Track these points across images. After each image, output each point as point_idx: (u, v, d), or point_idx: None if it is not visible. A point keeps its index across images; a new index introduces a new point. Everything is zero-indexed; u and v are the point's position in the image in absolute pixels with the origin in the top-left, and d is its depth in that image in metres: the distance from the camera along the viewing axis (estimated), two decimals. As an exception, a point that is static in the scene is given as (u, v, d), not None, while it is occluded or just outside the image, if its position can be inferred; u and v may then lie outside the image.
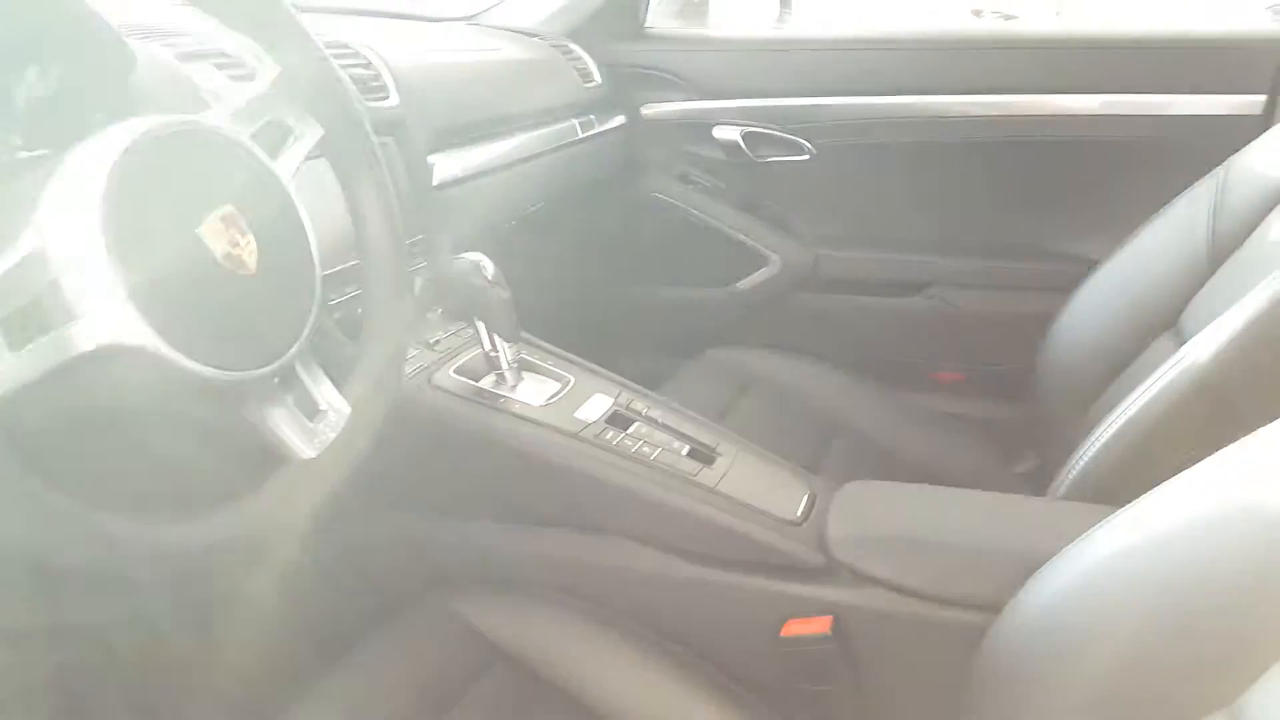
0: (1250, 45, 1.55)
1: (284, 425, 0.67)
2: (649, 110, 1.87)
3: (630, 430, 1.03)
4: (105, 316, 0.52)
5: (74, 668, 0.83)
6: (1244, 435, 0.60)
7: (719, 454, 1.04)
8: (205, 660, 0.89)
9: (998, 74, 1.66)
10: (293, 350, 0.66)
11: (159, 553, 0.57)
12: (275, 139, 0.70)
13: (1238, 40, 1.57)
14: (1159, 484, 0.64)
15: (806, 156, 1.78)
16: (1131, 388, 1.04)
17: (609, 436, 1.01)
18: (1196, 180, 1.32)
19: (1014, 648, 0.72)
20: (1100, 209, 1.68)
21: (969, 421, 1.73)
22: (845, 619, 0.90)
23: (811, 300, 1.89)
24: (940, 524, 0.94)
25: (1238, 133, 1.40)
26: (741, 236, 1.89)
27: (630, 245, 1.98)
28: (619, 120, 1.82)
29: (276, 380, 0.66)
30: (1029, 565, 0.74)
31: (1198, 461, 0.62)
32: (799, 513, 0.97)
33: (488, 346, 1.03)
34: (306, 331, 0.68)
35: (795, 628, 0.92)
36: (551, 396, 1.05)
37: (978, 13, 2.30)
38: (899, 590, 0.89)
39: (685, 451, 1.03)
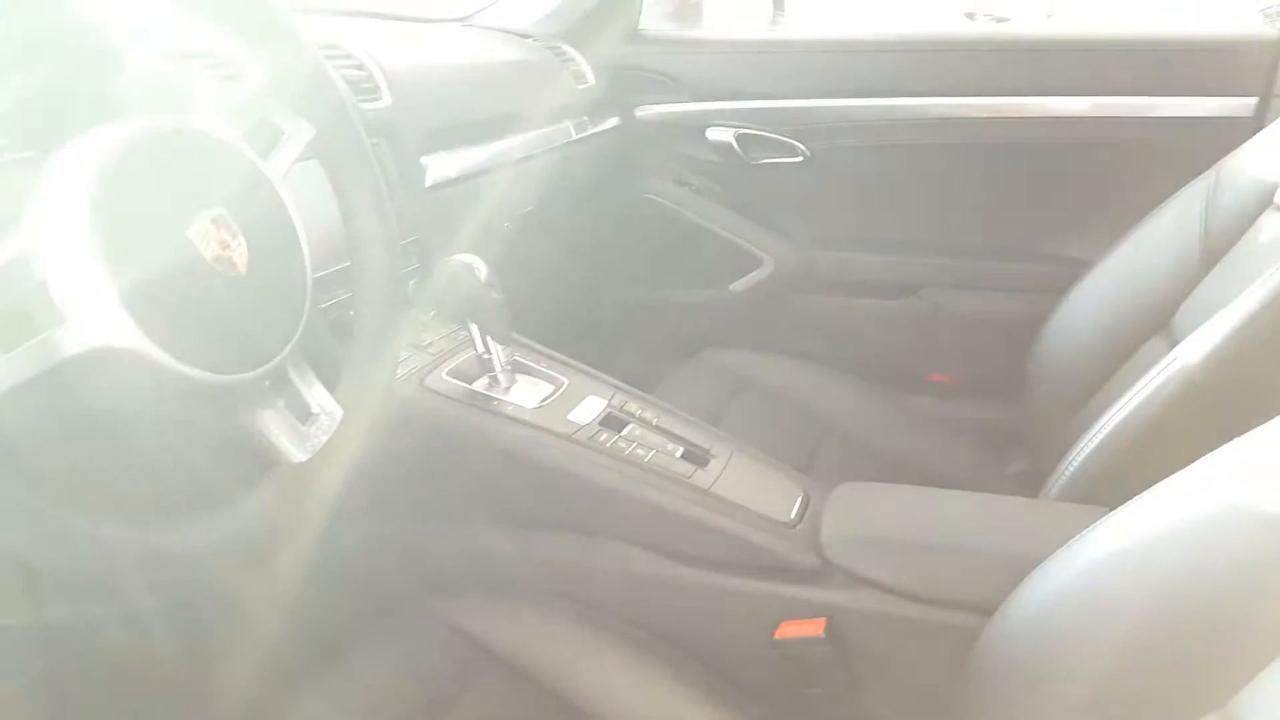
0: (1241, 48, 1.56)
1: (275, 428, 0.66)
2: (643, 112, 1.87)
3: (624, 432, 1.03)
4: (94, 319, 0.51)
5: (63, 671, 0.82)
6: (1236, 436, 0.60)
7: (713, 456, 1.04)
8: (197, 665, 0.89)
9: (990, 76, 1.66)
10: (284, 353, 0.66)
11: (149, 557, 0.57)
12: (266, 140, 0.69)
13: (1229, 43, 1.57)
14: (1151, 485, 0.64)
15: (800, 158, 1.78)
16: (1124, 389, 1.04)
17: (603, 439, 1.01)
18: (1188, 182, 1.32)
19: (1007, 649, 0.72)
20: (1093, 211, 1.69)
21: (962, 423, 1.73)
22: (839, 621, 0.90)
23: (805, 302, 1.89)
24: (934, 526, 0.94)
25: (1229, 135, 1.41)
26: (735, 238, 1.89)
27: (624, 247, 1.98)
28: (613, 122, 1.82)
29: (268, 383, 0.66)
30: (1022, 567, 0.74)
31: (1190, 463, 0.62)
32: (793, 514, 0.97)
33: (481, 349, 1.03)
34: (298, 334, 0.68)
35: (789, 630, 0.92)
36: (545, 399, 1.05)
37: (970, 15, 2.30)
38: (893, 592, 0.89)
39: (679, 453, 1.03)
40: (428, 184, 1.19)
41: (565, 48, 1.74)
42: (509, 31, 1.70)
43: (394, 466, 0.89)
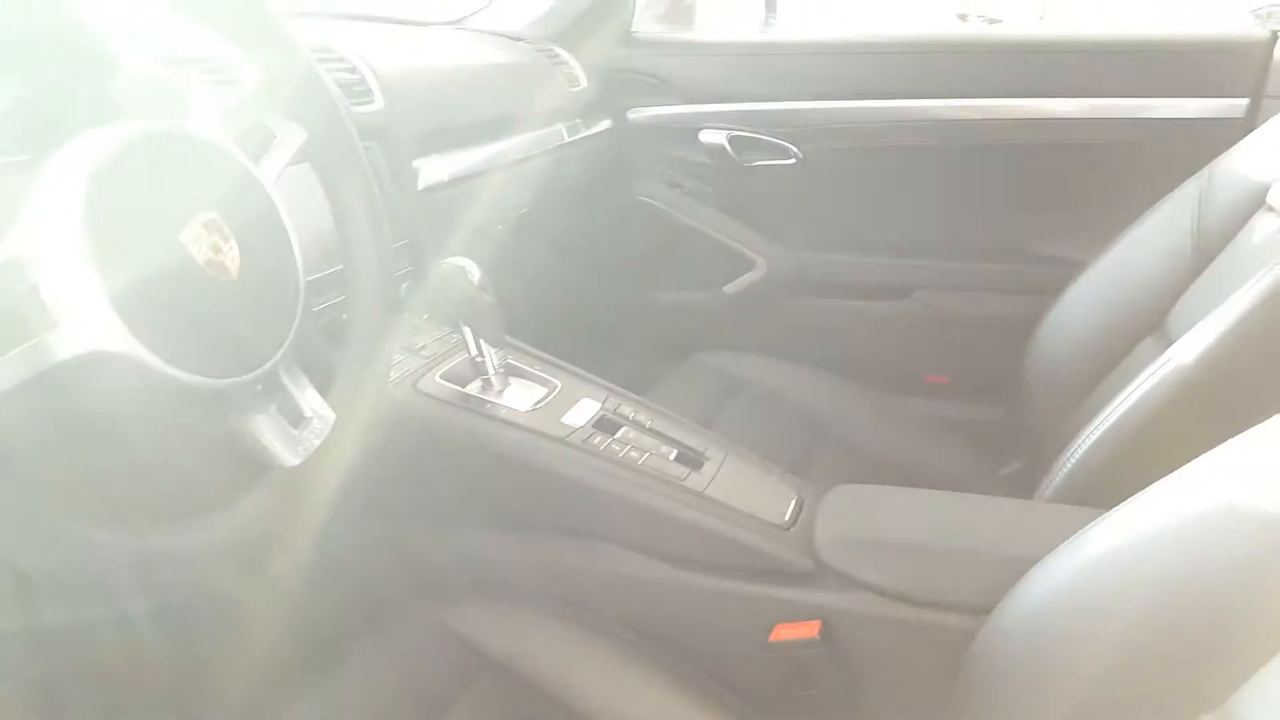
0: (1233, 49, 1.56)
1: (268, 432, 0.66)
2: (635, 114, 1.87)
3: (617, 435, 1.03)
4: (86, 323, 0.51)
5: (57, 674, 0.82)
6: (1231, 436, 0.60)
7: (707, 458, 1.04)
8: (190, 668, 0.89)
9: (983, 78, 1.66)
10: (276, 357, 0.66)
11: (142, 560, 0.57)
12: (258, 144, 0.69)
13: (1220, 44, 1.58)
14: (1146, 486, 0.64)
15: (792, 160, 1.78)
16: (1118, 390, 1.04)
17: (596, 441, 1.00)
18: (1181, 183, 1.33)
19: (1002, 651, 0.72)
20: (1085, 212, 1.69)
21: (956, 424, 1.73)
22: (834, 623, 0.90)
23: (798, 304, 1.89)
24: (928, 527, 0.94)
25: (1221, 136, 1.41)
26: (728, 240, 1.89)
27: (617, 249, 1.98)
28: (605, 124, 1.82)
29: (260, 387, 0.66)
30: (1017, 568, 0.74)
31: (1185, 463, 0.62)
32: (787, 517, 0.97)
33: (474, 351, 1.03)
34: (290, 338, 0.67)
35: (784, 632, 0.92)
36: (538, 401, 1.05)
37: (963, 17, 2.31)
38: (887, 594, 0.89)
39: (673, 456, 1.02)
40: (420, 187, 1.19)
41: (558, 50, 1.74)
42: (501, 35, 1.70)
43: (387, 470, 0.89)
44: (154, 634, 0.72)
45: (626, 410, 1.08)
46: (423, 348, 1.09)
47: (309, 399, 0.71)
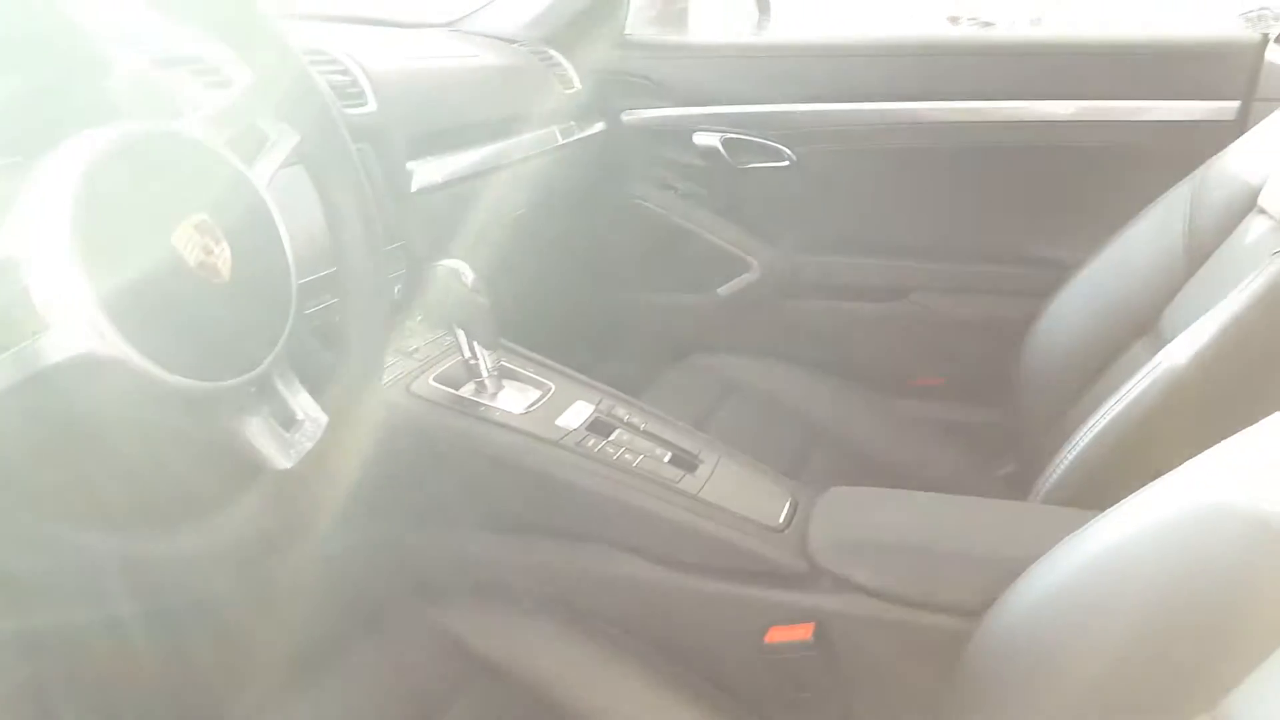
0: (1224, 52, 1.57)
1: (260, 435, 0.66)
2: (629, 116, 1.87)
3: (611, 437, 1.03)
4: (76, 326, 0.51)
5: (49, 677, 0.82)
6: (1224, 437, 0.60)
7: (701, 461, 1.04)
8: (183, 671, 0.88)
9: (975, 80, 1.67)
10: (269, 359, 0.66)
11: (134, 564, 0.57)
12: (251, 146, 0.69)
13: (1212, 46, 1.58)
14: (1140, 487, 0.64)
15: (786, 163, 1.79)
16: (1111, 391, 1.05)
17: (590, 444, 1.00)
18: (1173, 185, 1.33)
19: (997, 653, 0.72)
20: (1078, 214, 1.69)
21: (950, 426, 1.73)
22: (828, 625, 0.90)
23: (792, 306, 1.89)
24: (922, 529, 0.94)
25: (1213, 138, 1.42)
26: (722, 242, 1.89)
27: (611, 251, 1.98)
28: (599, 126, 1.82)
29: (252, 390, 0.66)
30: (1011, 570, 0.74)
31: (1178, 464, 0.62)
32: (781, 519, 0.97)
33: (467, 354, 1.03)
34: (283, 340, 0.67)
35: (778, 634, 0.92)
36: (532, 404, 1.05)
37: (955, 19, 2.31)
38: (881, 596, 0.89)
39: (667, 458, 1.02)
40: (413, 189, 1.18)
41: (551, 53, 1.74)
42: (495, 37, 1.70)
43: (381, 472, 0.88)
44: (147, 637, 0.72)
45: (621, 412, 1.08)
46: (416, 350, 1.09)
47: (302, 402, 0.70)
